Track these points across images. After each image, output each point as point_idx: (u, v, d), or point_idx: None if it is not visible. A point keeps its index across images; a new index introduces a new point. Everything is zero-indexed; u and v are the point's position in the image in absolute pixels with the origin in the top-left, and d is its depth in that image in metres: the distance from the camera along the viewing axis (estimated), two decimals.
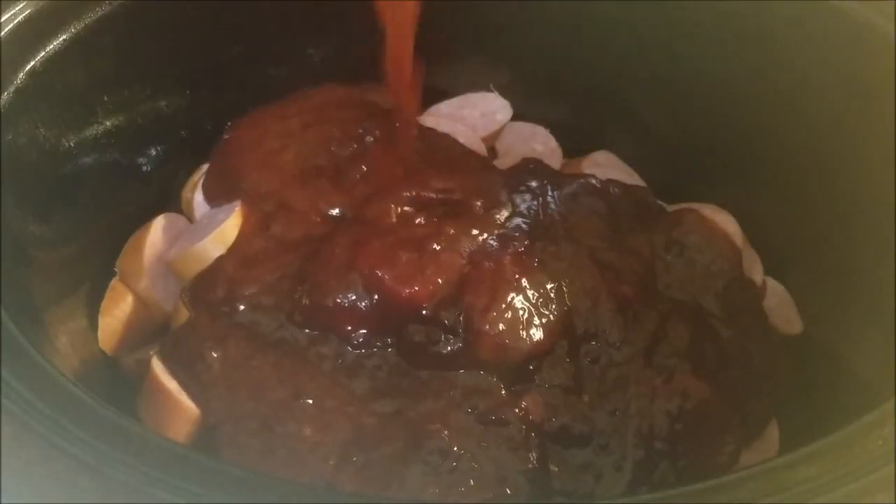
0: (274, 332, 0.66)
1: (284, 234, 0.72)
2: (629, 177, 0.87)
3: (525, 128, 0.92)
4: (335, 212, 0.75)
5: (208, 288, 0.69)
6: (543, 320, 0.65)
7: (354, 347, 0.66)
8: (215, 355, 0.64)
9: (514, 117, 0.91)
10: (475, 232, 0.70)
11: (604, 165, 0.87)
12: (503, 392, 0.64)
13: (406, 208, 0.73)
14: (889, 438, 0.45)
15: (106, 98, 0.72)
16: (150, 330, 0.73)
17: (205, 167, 0.82)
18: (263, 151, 0.81)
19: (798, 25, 0.73)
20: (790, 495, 0.42)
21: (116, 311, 0.72)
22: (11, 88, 0.63)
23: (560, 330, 0.66)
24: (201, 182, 0.80)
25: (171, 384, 0.64)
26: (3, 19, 0.65)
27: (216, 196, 0.78)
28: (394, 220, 0.72)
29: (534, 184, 0.78)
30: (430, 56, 0.71)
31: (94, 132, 0.72)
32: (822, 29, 0.71)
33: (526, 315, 0.65)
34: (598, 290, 0.68)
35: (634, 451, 0.63)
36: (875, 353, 0.64)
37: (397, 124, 0.81)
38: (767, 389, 0.70)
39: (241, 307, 0.67)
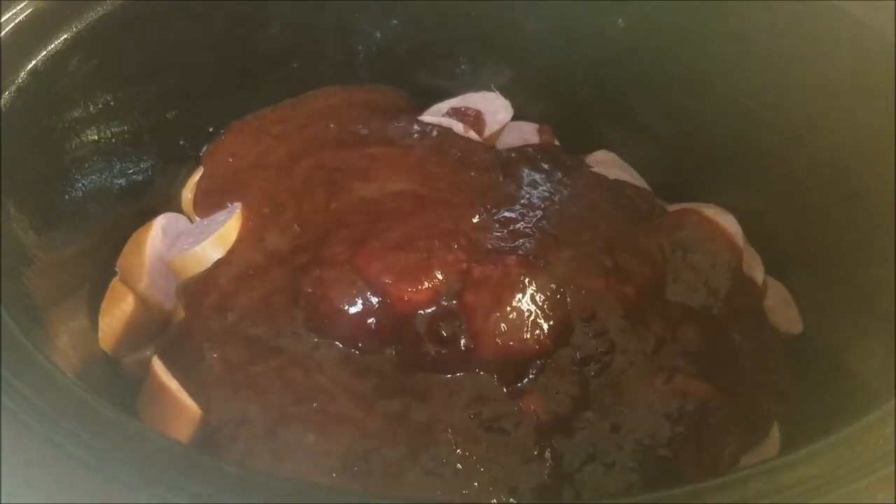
0: (274, 339, 0.65)
1: (279, 243, 0.72)
2: (630, 176, 0.87)
3: (525, 128, 0.92)
4: (332, 215, 0.74)
5: (202, 293, 0.69)
6: (549, 322, 0.65)
7: (358, 351, 0.65)
8: (215, 356, 0.64)
9: (514, 117, 0.91)
10: (479, 232, 0.70)
11: (605, 164, 0.87)
12: (506, 394, 0.64)
13: (407, 208, 0.73)
14: (889, 438, 0.45)
15: (106, 97, 0.72)
16: (150, 330, 0.73)
17: None
18: (260, 154, 0.81)
19: (798, 25, 0.73)
20: (791, 495, 0.42)
21: (117, 311, 0.72)
22: (12, 88, 0.63)
23: (563, 332, 0.66)
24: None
25: (172, 384, 0.64)
26: (3, 19, 0.65)
27: (209, 208, 0.78)
28: (395, 220, 0.71)
29: (542, 180, 0.78)
30: (431, 56, 0.71)
31: (95, 132, 0.72)
32: (822, 29, 0.71)
33: (530, 316, 0.64)
34: (604, 293, 0.68)
35: (636, 451, 0.62)
36: (875, 353, 0.64)
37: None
38: (768, 389, 0.70)
39: (234, 317, 0.67)
